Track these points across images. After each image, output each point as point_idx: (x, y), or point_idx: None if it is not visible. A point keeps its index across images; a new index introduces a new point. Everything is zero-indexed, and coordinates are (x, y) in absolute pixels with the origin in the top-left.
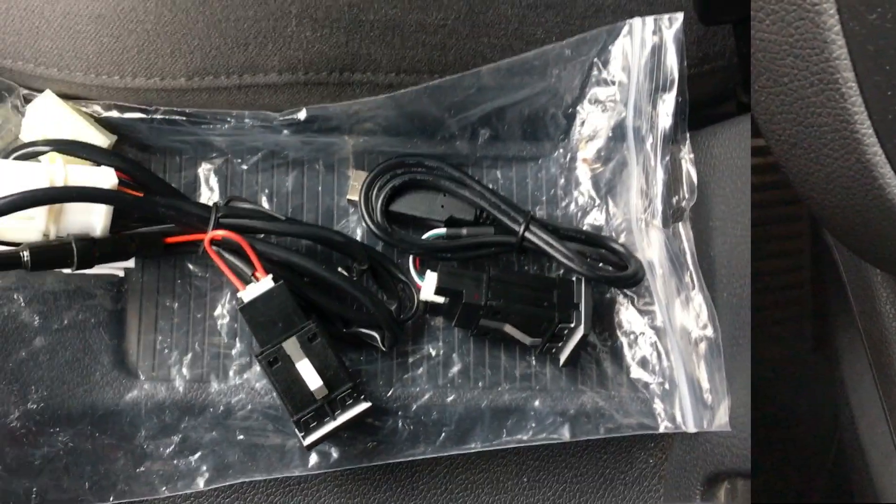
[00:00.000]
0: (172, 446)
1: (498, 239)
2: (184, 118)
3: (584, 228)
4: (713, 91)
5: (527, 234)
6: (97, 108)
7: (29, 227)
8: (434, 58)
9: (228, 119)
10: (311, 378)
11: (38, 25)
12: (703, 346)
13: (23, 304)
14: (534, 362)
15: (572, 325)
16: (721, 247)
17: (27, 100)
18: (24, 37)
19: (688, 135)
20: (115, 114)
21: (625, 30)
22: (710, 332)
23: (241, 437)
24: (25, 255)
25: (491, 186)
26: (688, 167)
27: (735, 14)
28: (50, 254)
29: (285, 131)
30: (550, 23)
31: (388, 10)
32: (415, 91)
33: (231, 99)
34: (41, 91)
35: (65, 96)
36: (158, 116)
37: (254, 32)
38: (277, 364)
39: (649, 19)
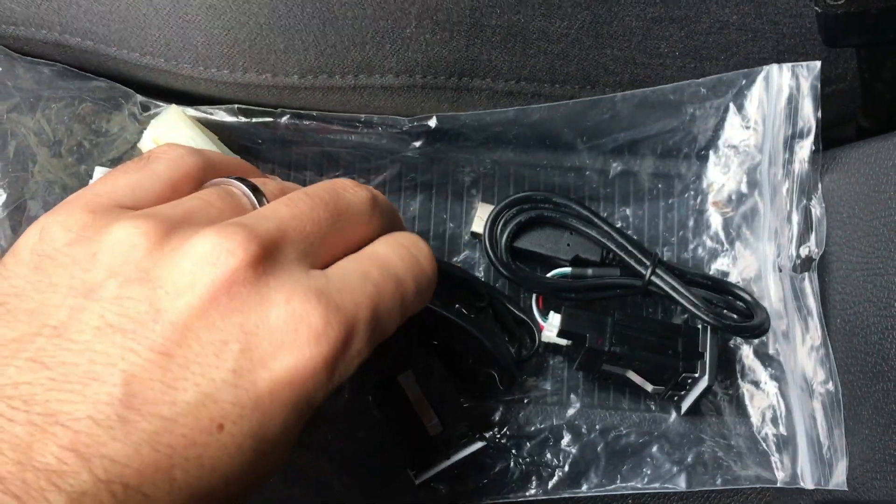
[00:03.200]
0: (279, 476)
1: (623, 281)
2: (311, 122)
3: (712, 273)
4: (833, 114)
5: (653, 278)
6: (223, 115)
7: None
8: (556, 67)
9: (357, 124)
10: (426, 414)
11: (145, 13)
12: (824, 400)
13: None
14: (653, 407)
15: (696, 376)
16: (846, 300)
17: (144, 107)
18: (131, 24)
19: (820, 185)
20: (242, 119)
21: (761, 75)
22: (830, 386)
23: None
24: None
25: (619, 224)
26: (818, 217)
27: (861, 38)
28: None
29: (414, 143)
30: (674, 37)
31: (511, 16)
32: (547, 107)
33: (345, 99)
34: (148, 83)
35: (171, 90)
36: (284, 121)
37: (371, 32)
38: (392, 397)
39: (786, 67)
